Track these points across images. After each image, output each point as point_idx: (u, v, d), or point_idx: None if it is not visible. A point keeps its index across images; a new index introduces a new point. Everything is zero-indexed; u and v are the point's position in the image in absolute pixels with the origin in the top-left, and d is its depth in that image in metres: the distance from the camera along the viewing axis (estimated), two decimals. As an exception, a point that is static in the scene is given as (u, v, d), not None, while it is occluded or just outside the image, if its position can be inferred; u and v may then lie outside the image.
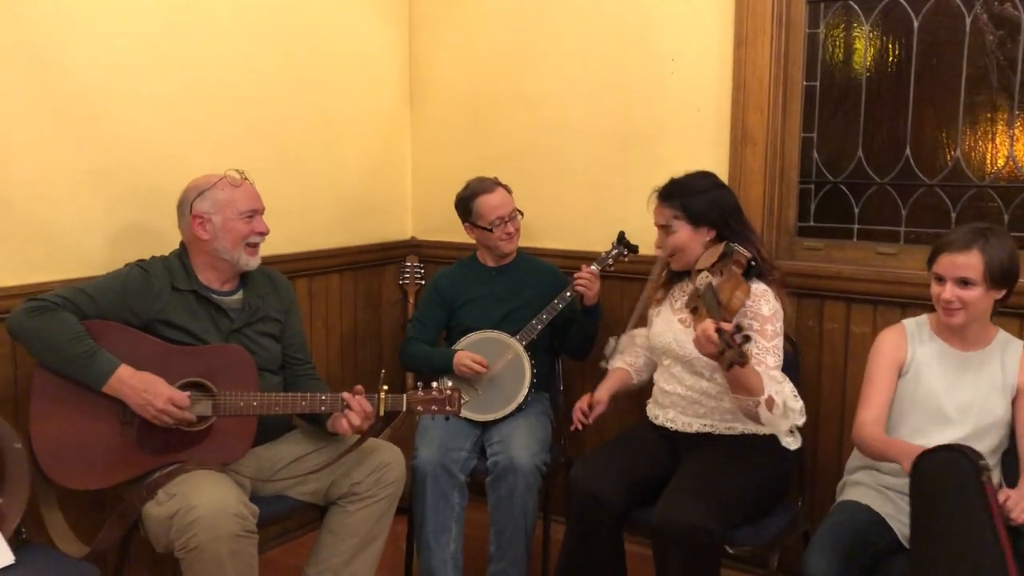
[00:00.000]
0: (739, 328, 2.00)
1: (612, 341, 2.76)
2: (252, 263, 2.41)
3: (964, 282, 2.11)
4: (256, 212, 2.41)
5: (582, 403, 2.56)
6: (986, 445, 2.19)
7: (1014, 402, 2.19)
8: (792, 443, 2.25)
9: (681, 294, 2.51)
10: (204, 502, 2.07)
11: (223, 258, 2.37)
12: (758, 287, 2.32)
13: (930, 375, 2.23)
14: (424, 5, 3.50)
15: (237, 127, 2.92)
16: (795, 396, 2.23)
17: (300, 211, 3.17)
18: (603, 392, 2.58)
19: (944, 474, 1.98)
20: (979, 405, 2.18)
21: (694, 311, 2.24)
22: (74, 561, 2.13)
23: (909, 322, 2.32)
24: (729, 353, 1.98)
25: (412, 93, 3.59)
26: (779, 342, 2.31)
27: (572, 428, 2.55)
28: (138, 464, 2.24)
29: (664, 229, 2.43)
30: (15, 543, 2.08)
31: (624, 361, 2.70)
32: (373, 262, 3.51)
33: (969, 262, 2.09)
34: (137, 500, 2.19)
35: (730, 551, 2.25)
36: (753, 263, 2.31)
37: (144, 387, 2.19)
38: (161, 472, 2.21)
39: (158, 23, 2.66)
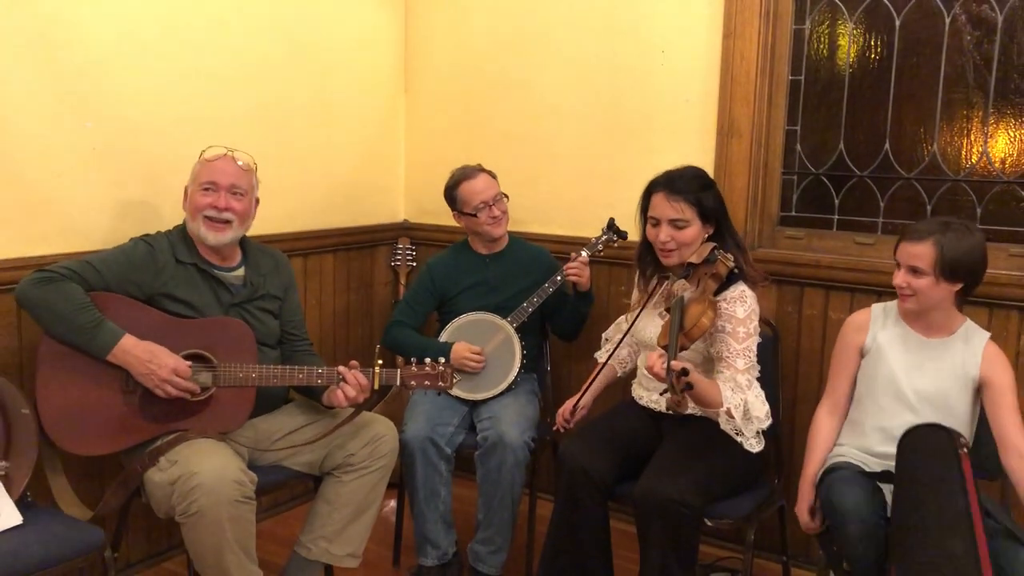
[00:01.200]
0: (684, 372, 2.05)
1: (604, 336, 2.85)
2: (210, 238, 2.41)
3: (914, 270, 2.21)
4: (216, 185, 2.40)
5: (566, 408, 2.62)
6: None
7: (980, 394, 2.28)
8: (755, 445, 2.32)
9: (662, 291, 2.55)
10: (205, 469, 2.15)
11: (191, 232, 2.44)
12: (735, 289, 2.37)
13: (891, 357, 2.33)
14: (420, -8, 3.58)
15: (236, 108, 2.99)
16: (761, 401, 2.32)
17: (296, 192, 3.24)
18: (588, 398, 2.64)
19: (925, 448, 2.11)
20: (937, 392, 2.27)
21: (666, 314, 2.32)
22: (79, 523, 2.20)
23: (877, 307, 2.42)
24: (672, 394, 2.05)
25: (407, 78, 3.66)
26: (751, 343, 2.36)
27: (555, 429, 2.64)
28: (140, 431, 2.31)
29: (674, 223, 2.40)
30: (22, 506, 2.15)
31: (606, 354, 2.75)
32: (366, 243, 3.59)
33: (921, 252, 2.19)
34: (139, 467, 2.27)
35: (709, 523, 2.35)
36: (736, 270, 2.36)
37: (148, 357, 2.26)
38: (163, 440, 2.29)
39: (161, 5, 2.72)
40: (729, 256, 2.32)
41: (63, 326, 2.23)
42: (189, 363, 2.30)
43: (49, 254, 2.50)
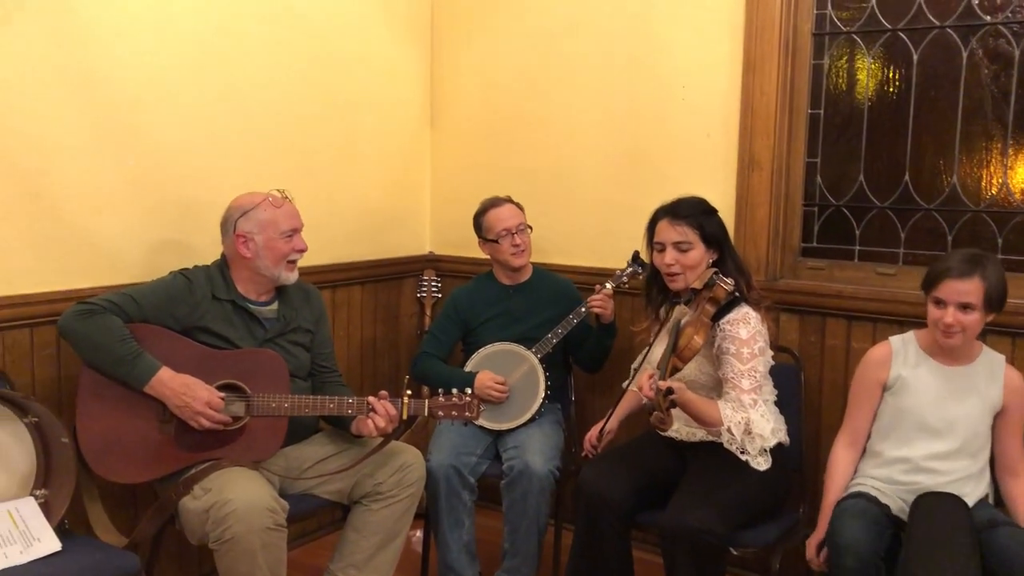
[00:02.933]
0: (670, 392, 2.15)
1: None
2: (291, 278, 2.56)
3: (965, 307, 2.23)
4: (296, 231, 2.55)
5: (592, 435, 2.66)
6: (978, 461, 2.33)
7: (996, 417, 2.33)
8: (762, 464, 2.38)
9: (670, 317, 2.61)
10: (239, 496, 2.20)
11: (263, 274, 2.51)
12: (739, 311, 2.42)
13: (916, 389, 2.36)
14: (445, 29, 3.66)
15: (266, 143, 3.07)
16: (766, 420, 2.36)
17: (324, 225, 3.31)
18: (613, 422, 2.68)
19: (939, 513, 2.17)
20: (966, 419, 2.31)
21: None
22: (116, 550, 2.25)
23: (896, 339, 2.44)
24: (656, 413, 2.14)
25: (432, 113, 3.74)
26: (757, 363, 2.40)
27: (583, 455, 2.67)
28: (176, 460, 2.37)
29: (677, 247, 2.50)
30: (60, 532, 2.21)
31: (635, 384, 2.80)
32: (392, 275, 3.65)
33: (970, 288, 2.21)
34: (174, 494, 2.32)
35: (735, 552, 2.37)
36: (736, 294, 2.41)
37: (184, 389, 2.32)
38: (197, 468, 2.34)
39: (194, 44, 2.82)
40: (728, 280, 2.38)
41: (103, 357, 2.30)
42: (222, 395, 2.36)
43: (89, 287, 2.57)
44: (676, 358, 2.26)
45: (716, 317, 2.38)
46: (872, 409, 2.42)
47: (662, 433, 2.17)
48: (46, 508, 2.24)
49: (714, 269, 2.44)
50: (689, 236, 2.49)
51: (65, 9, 2.48)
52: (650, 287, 2.65)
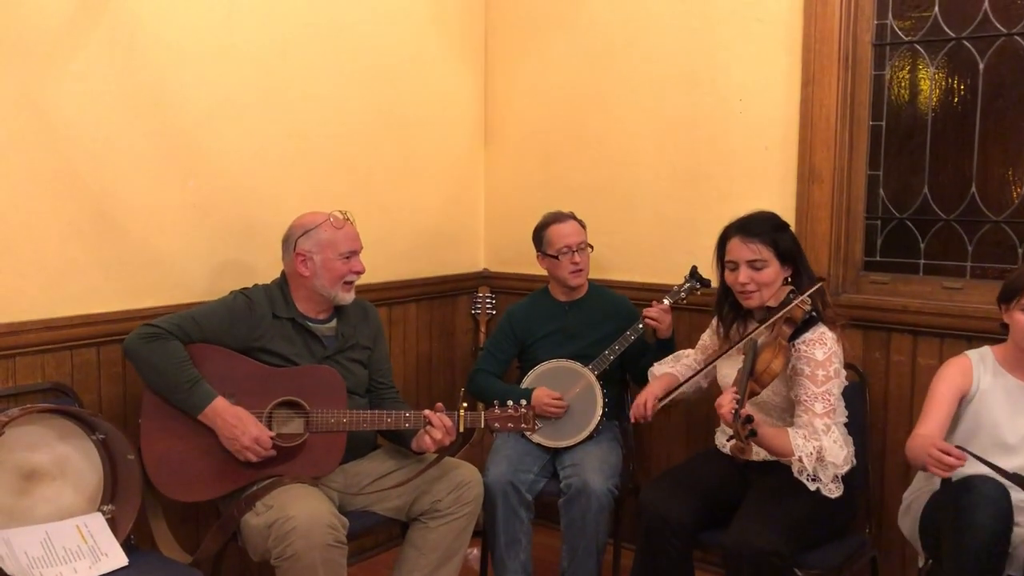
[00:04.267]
0: (749, 420, 2.08)
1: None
2: (348, 298, 2.58)
3: None
4: (355, 252, 2.57)
5: (639, 403, 2.58)
6: None
7: None
8: (833, 491, 2.31)
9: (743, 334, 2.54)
10: (300, 513, 2.22)
11: (321, 293, 2.54)
12: (814, 332, 2.36)
13: (994, 405, 2.30)
14: (499, 50, 3.68)
15: (325, 165, 3.12)
16: (839, 447, 2.28)
17: (381, 243, 3.33)
18: (658, 388, 2.62)
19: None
20: None
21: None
22: (181, 567, 2.29)
23: (973, 353, 2.39)
24: (736, 443, 2.10)
25: (487, 132, 3.76)
26: (831, 386, 2.33)
27: (632, 421, 2.61)
28: (237, 478, 2.40)
29: (751, 265, 2.42)
30: (126, 548, 2.24)
31: (672, 368, 2.75)
32: (447, 292, 3.67)
33: None
34: (237, 512, 2.34)
35: (799, 574, 2.31)
36: (813, 313, 2.35)
37: (235, 422, 2.35)
38: (258, 485, 2.37)
39: (256, 68, 2.87)
40: (806, 300, 2.32)
41: (162, 382, 2.34)
42: (271, 434, 2.38)
43: (153, 306, 2.63)
44: (754, 382, 2.20)
45: (792, 338, 2.32)
46: (951, 414, 2.33)
47: (739, 456, 2.11)
48: (113, 524, 2.28)
49: (790, 287, 2.39)
50: (763, 254, 2.42)
51: (132, 35, 2.55)
52: (722, 304, 2.58)
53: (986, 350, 2.37)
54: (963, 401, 2.35)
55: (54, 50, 2.40)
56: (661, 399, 2.56)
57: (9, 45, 2.32)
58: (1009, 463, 2.21)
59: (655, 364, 2.81)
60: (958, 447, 2.12)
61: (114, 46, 2.52)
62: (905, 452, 2.33)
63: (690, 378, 2.55)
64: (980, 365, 2.35)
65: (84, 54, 2.45)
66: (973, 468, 2.20)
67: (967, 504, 2.11)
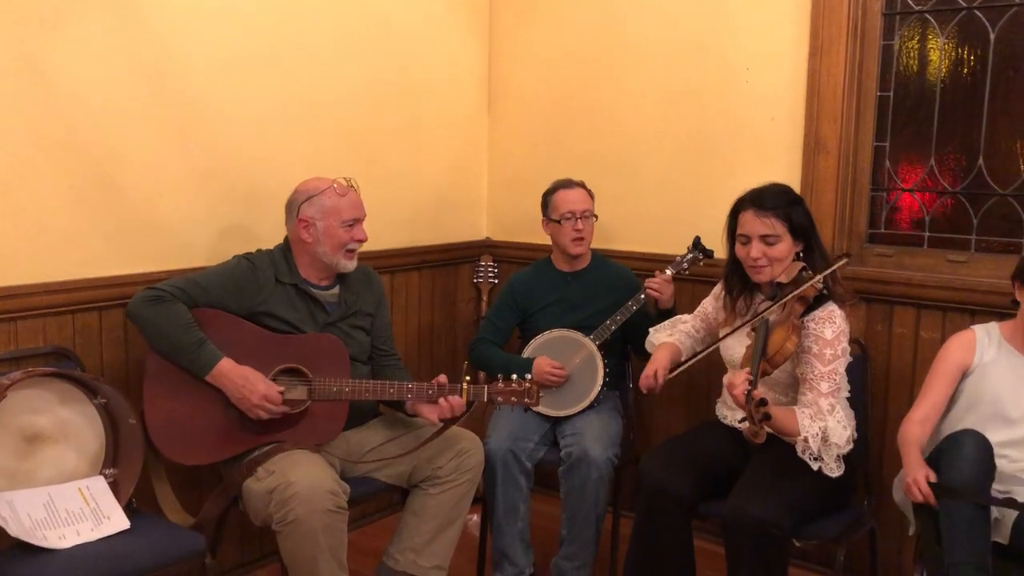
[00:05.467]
0: (763, 403, 2.05)
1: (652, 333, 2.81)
2: (349, 266, 2.57)
3: None
4: (358, 220, 2.56)
5: (647, 374, 2.54)
6: None
7: None
8: (835, 470, 2.29)
9: (751, 309, 2.53)
10: (301, 478, 2.23)
11: (323, 260, 2.53)
12: (824, 309, 2.34)
13: (997, 378, 2.31)
14: (504, 16, 3.64)
15: (328, 132, 3.09)
16: (843, 427, 2.27)
17: (384, 211, 3.31)
18: (664, 359, 2.58)
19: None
20: None
21: (752, 333, 2.30)
22: (182, 530, 2.30)
23: (979, 328, 2.40)
24: (750, 424, 2.06)
25: (491, 100, 3.73)
26: (838, 365, 2.32)
27: (645, 392, 2.56)
28: (240, 443, 2.41)
29: (764, 239, 2.38)
30: (128, 511, 2.26)
31: (669, 337, 2.72)
32: (450, 260, 3.66)
33: None
34: (239, 476, 2.36)
35: (798, 544, 2.33)
36: (824, 291, 2.33)
37: (243, 382, 2.35)
38: (260, 451, 2.38)
39: (259, 36, 2.84)
40: (819, 279, 2.30)
41: (167, 344, 2.34)
42: (280, 389, 2.38)
43: (156, 271, 2.62)
44: (766, 363, 2.18)
45: (803, 315, 2.31)
46: (949, 392, 2.36)
47: (754, 442, 2.09)
48: (115, 487, 2.29)
49: (802, 264, 2.36)
50: (777, 229, 2.37)
51: (132, 2, 2.52)
52: (731, 277, 2.55)
53: (993, 325, 2.38)
54: (964, 375, 2.35)
55: (55, 14, 2.37)
56: (671, 371, 2.53)
57: (10, 8, 2.29)
58: (1010, 435, 2.25)
59: (652, 332, 2.79)
60: (934, 486, 2.18)
61: (116, 10, 2.49)
62: (898, 435, 2.36)
63: (700, 354, 2.52)
64: (985, 339, 2.36)
65: (85, 18, 2.43)
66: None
67: (952, 446, 2.19)
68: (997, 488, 2.25)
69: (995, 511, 2.21)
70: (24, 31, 2.32)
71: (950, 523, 2.12)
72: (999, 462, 2.25)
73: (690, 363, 2.49)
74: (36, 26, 2.34)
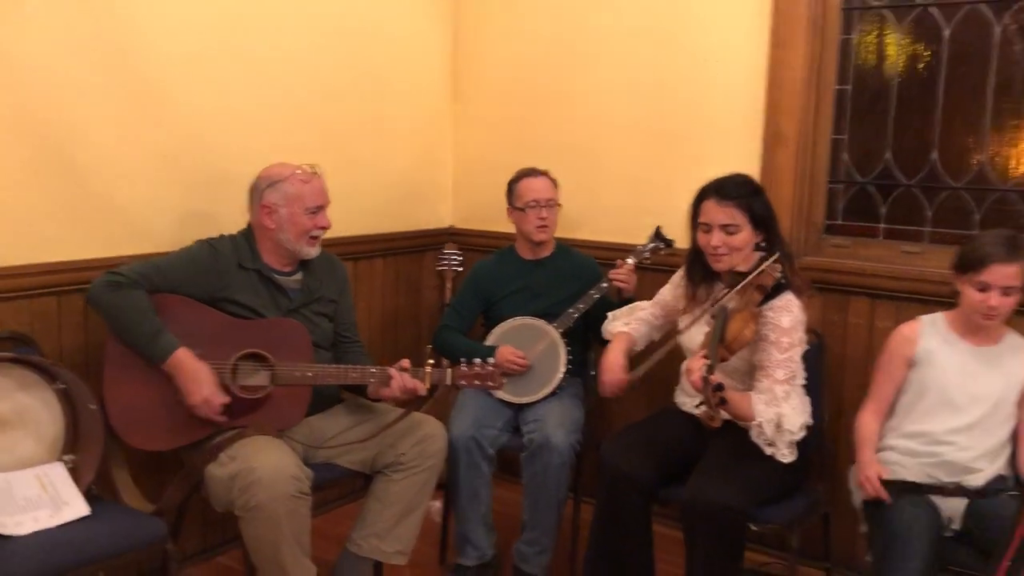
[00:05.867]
0: (720, 387, 2.10)
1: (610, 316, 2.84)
2: (312, 252, 2.57)
3: (1007, 290, 2.25)
4: (321, 208, 2.55)
5: (612, 381, 2.59)
6: (994, 437, 2.35)
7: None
8: (787, 456, 2.34)
9: (710, 297, 2.56)
10: (264, 464, 2.23)
11: (285, 246, 2.53)
12: (782, 299, 2.38)
13: (944, 368, 2.38)
14: (469, 7, 3.65)
15: (292, 119, 3.08)
16: (797, 414, 2.33)
17: (347, 197, 3.27)
18: (621, 357, 2.61)
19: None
20: (988, 396, 2.34)
21: (712, 321, 2.34)
22: (144, 516, 2.29)
23: (925, 318, 2.47)
24: (706, 410, 2.11)
25: (456, 89, 3.73)
26: (794, 353, 2.37)
27: (607, 395, 2.60)
28: (201, 428, 2.40)
29: (725, 229, 2.42)
30: (87, 498, 2.24)
31: (625, 326, 2.75)
32: (414, 248, 3.67)
33: (1016, 272, 2.25)
34: (200, 462, 2.35)
35: (754, 528, 2.38)
36: (783, 280, 2.37)
37: (193, 376, 2.34)
38: (222, 436, 2.37)
39: (225, 17, 2.82)
40: (777, 267, 2.34)
41: (125, 331, 2.33)
42: (225, 400, 2.37)
43: (117, 255, 2.59)
44: (724, 349, 2.22)
45: (761, 304, 2.35)
46: (898, 383, 2.44)
47: (711, 426, 2.14)
48: (74, 473, 2.27)
49: (761, 253, 2.40)
50: (737, 218, 2.41)
51: (94, -24, 2.49)
52: (693, 265, 2.58)
53: (939, 316, 2.45)
54: (911, 365, 2.43)
55: (10, -12, 2.33)
56: (631, 379, 2.56)
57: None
58: (957, 421, 2.33)
59: (610, 317, 2.81)
60: (886, 483, 2.30)
61: (74, -10, 2.46)
62: (855, 429, 2.45)
63: (658, 352, 2.54)
64: (930, 329, 2.43)
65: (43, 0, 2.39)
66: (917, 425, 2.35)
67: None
68: (945, 479, 2.32)
69: (946, 509, 2.28)
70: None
71: (897, 529, 2.21)
72: (946, 449, 2.33)
73: (651, 364, 2.50)
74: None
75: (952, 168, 2.81)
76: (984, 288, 2.27)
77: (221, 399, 2.37)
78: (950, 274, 2.38)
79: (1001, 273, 2.24)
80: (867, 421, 2.47)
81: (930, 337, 2.41)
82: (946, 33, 2.77)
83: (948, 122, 2.80)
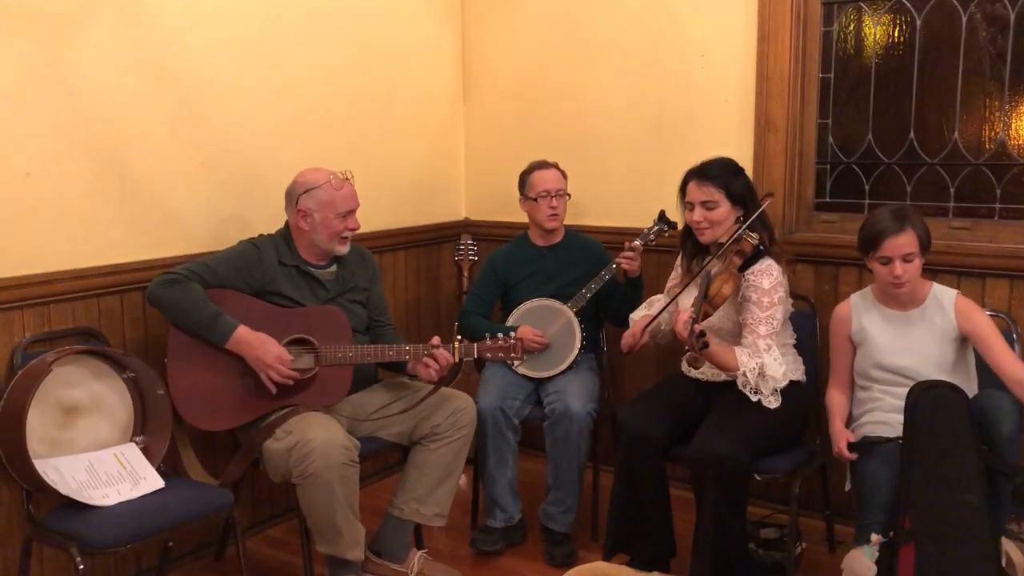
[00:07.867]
0: (702, 334, 2.38)
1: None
2: (343, 250, 2.82)
3: (907, 257, 2.49)
4: (351, 211, 2.79)
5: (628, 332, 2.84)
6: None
7: (966, 344, 2.57)
8: (772, 403, 2.62)
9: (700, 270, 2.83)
10: (318, 436, 2.48)
11: (319, 245, 2.78)
12: (762, 264, 2.65)
13: (877, 335, 2.63)
14: (475, 10, 3.89)
15: (316, 121, 3.33)
16: (779, 364, 2.60)
17: (369, 196, 3.49)
18: (640, 323, 2.85)
19: (939, 408, 2.36)
20: (925, 356, 2.56)
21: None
22: (213, 487, 2.55)
23: (855, 295, 2.74)
24: (690, 353, 2.38)
25: (465, 86, 3.98)
26: (775, 311, 2.63)
27: (625, 351, 2.82)
28: (256, 408, 2.65)
29: (705, 205, 2.70)
30: (159, 474, 2.49)
31: (647, 311, 2.98)
32: (432, 240, 3.91)
33: (908, 240, 2.49)
34: (258, 439, 2.60)
35: (757, 478, 2.63)
36: (761, 247, 2.63)
37: (258, 344, 2.59)
38: (277, 415, 2.63)
39: (255, 36, 3.07)
40: (753, 235, 2.61)
41: (188, 320, 2.57)
42: (291, 357, 2.62)
43: (169, 256, 2.85)
44: (707, 304, 2.49)
45: (742, 268, 2.61)
46: (849, 358, 2.71)
47: (694, 370, 2.40)
48: (145, 452, 2.53)
49: (739, 225, 2.66)
50: (715, 196, 2.69)
51: (140, 9, 2.74)
52: (685, 240, 2.87)
53: (868, 290, 2.71)
54: (853, 340, 2.69)
55: (71, 21, 2.58)
56: (645, 326, 2.81)
57: (32, 17, 2.50)
58: (903, 388, 2.46)
59: (634, 312, 3.04)
60: (852, 445, 2.55)
61: (125, 16, 2.70)
62: (826, 401, 2.72)
63: (666, 305, 2.82)
64: (860, 304, 2.69)
65: (98, 24, 2.64)
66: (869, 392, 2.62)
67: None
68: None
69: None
70: (46, 38, 2.53)
71: (864, 483, 2.47)
72: (901, 403, 2.46)
73: (659, 314, 2.79)
74: (55, 33, 2.55)
75: (928, 146, 3.05)
76: (886, 261, 2.51)
77: (289, 357, 2.60)
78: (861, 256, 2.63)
79: (896, 244, 2.48)
80: (833, 395, 2.73)
81: (861, 313, 2.67)
82: (918, 22, 3.01)
83: (923, 104, 3.04)
